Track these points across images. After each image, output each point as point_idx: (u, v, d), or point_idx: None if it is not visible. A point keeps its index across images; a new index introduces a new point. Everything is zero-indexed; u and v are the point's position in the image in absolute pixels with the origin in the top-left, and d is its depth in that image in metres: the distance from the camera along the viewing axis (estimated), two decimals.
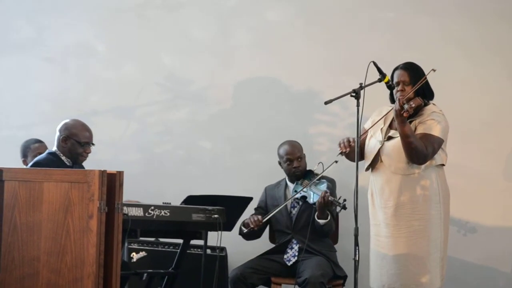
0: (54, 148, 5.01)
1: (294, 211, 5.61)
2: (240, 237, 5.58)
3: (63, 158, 4.98)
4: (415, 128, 4.85)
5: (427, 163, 4.84)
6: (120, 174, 4.29)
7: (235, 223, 5.57)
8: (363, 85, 4.75)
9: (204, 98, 6.59)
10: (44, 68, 6.70)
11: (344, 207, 5.23)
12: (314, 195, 5.39)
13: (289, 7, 6.52)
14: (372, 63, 4.79)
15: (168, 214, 4.92)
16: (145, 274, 5.19)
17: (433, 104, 4.97)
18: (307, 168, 5.61)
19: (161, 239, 6.01)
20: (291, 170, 5.59)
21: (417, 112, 4.89)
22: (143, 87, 6.62)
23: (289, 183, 5.68)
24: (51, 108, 6.51)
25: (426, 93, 4.94)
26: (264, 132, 6.43)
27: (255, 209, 5.73)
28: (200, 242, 5.37)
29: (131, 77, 6.64)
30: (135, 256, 5.89)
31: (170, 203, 5.06)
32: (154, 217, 4.85)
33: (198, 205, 5.16)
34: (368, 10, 6.39)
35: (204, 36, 6.60)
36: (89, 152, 5.02)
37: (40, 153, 5.21)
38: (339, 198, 5.29)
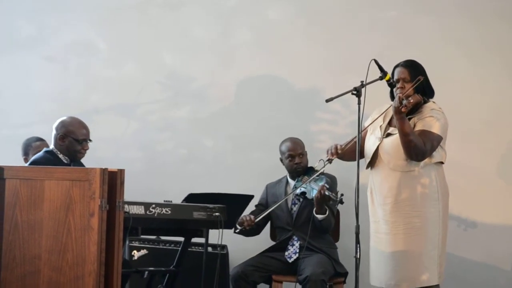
0: (51, 146, 5.01)
1: (295, 208, 5.61)
2: (241, 235, 5.58)
3: (61, 156, 4.98)
4: (414, 125, 4.85)
5: (426, 160, 4.85)
6: (121, 172, 4.29)
7: (236, 222, 5.56)
8: (364, 83, 4.75)
9: (205, 96, 6.59)
10: (45, 67, 6.70)
11: (341, 201, 5.25)
12: (313, 191, 5.39)
13: (290, 6, 6.52)
14: (373, 61, 4.79)
15: (169, 212, 4.92)
16: (146, 272, 5.18)
17: (433, 102, 4.97)
18: (309, 165, 5.62)
19: (162, 237, 6.01)
20: (292, 166, 5.60)
21: (416, 109, 4.89)
22: (144, 86, 6.63)
23: (290, 180, 5.69)
24: (52, 107, 6.51)
25: (426, 91, 4.94)
26: (266, 130, 6.43)
27: (256, 206, 5.74)
28: (201, 240, 5.36)
29: (132, 76, 6.64)
30: (136, 254, 5.90)
31: (171, 201, 5.06)
32: (155, 215, 4.84)
33: (199, 203, 5.16)
34: (368, 9, 6.39)
35: (205, 35, 6.60)
36: (87, 149, 5.03)
37: None
38: (337, 193, 5.30)
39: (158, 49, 6.65)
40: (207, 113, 6.58)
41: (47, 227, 4.31)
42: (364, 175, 4.93)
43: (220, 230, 5.20)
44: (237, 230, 5.46)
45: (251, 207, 5.71)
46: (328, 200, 5.34)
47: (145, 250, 5.94)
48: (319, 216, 5.41)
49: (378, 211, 4.94)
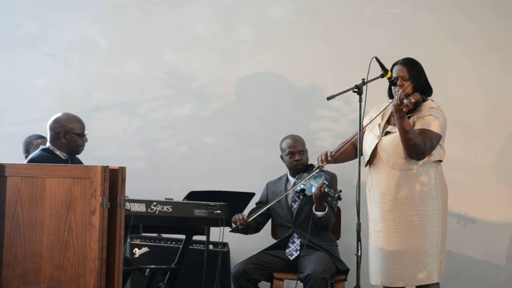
0: (47, 144, 5.01)
1: (295, 205, 5.61)
2: (238, 233, 5.56)
3: (58, 152, 4.98)
4: (413, 124, 4.84)
5: (425, 159, 4.84)
6: (122, 169, 4.30)
7: None
8: (365, 80, 4.74)
9: (207, 94, 6.59)
10: (47, 64, 6.70)
11: (338, 198, 5.25)
12: (312, 188, 5.39)
13: (291, 4, 6.52)
14: (374, 58, 4.78)
15: (171, 209, 4.92)
16: (148, 270, 5.19)
17: (431, 100, 4.96)
18: (309, 163, 5.63)
19: (164, 235, 6.02)
20: (292, 163, 5.60)
21: (415, 107, 4.88)
22: (146, 83, 6.63)
23: (290, 178, 5.69)
24: (54, 104, 6.51)
25: (424, 89, 4.94)
26: (267, 127, 6.43)
27: (256, 204, 5.74)
28: (203, 237, 5.37)
29: (134, 73, 6.64)
30: (137, 252, 5.90)
31: (172, 199, 5.07)
32: (157, 212, 4.85)
33: (201, 200, 5.17)
34: (370, 7, 6.38)
35: (207, 32, 6.60)
36: (86, 141, 5.04)
37: None
38: (336, 190, 5.30)
39: (160, 47, 6.66)
40: (208, 111, 6.58)
41: (48, 224, 4.32)
42: (365, 172, 4.94)
43: (221, 227, 5.22)
44: (229, 230, 5.44)
45: (252, 204, 5.71)
46: (327, 197, 5.34)
47: (146, 247, 5.94)
48: (319, 213, 5.41)
49: (376, 209, 4.94)
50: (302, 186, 5.44)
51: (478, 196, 6.12)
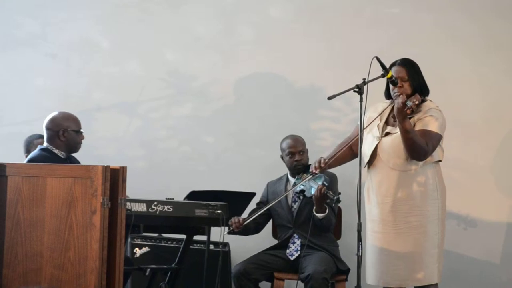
0: (45, 144, 5.01)
1: (295, 206, 5.61)
2: (237, 235, 5.56)
3: (56, 151, 4.98)
4: (414, 125, 4.84)
5: (426, 159, 4.85)
6: (123, 169, 4.30)
7: None
8: (366, 80, 4.74)
9: (207, 94, 6.59)
10: (47, 64, 6.70)
11: (337, 201, 5.25)
12: (311, 189, 5.39)
13: (291, 4, 6.52)
14: (375, 58, 4.78)
15: (171, 209, 4.92)
16: (148, 270, 5.18)
17: (430, 100, 4.96)
18: (309, 163, 5.62)
19: (164, 235, 6.02)
20: (292, 164, 5.60)
21: (412, 110, 4.88)
22: (146, 83, 6.63)
23: (290, 178, 5.69)
24: (55, 104, 6.50)
25: (422, 89, 4.94)
26: (267, 127, 6.43)
27: (257, 204, 5.74)
28: (203, 237, 5.37)
29: (134, 73, 6.64)
30: (138, 252, 5.90)
31: (173, 199, 5.07)
32: (157, 212, 4.85)
33: (201, 200, 5.17)
34: (370, 6, 6.39)
35: (207, 32, 6.61)
36: (83, 138, 5.05)
37: None
38: (334, 192, 5.30)
39: (160, 47, 6.66)
40: (209, 111, 6.58)
41: (49, 224, 4.32)
42: (364, 172, 4.94)
43: (222, 227, 5.21)
44: (226, 232, 5.44)
45: (252, 204, 5.71)
46: (326, 199, 5.33)
47: (147, 247, 5.94)
48: (319, 215, 5.41)
49: (375, 210, 4.93)
50: (301, 187, 5.44)
51: (478, 196, 6.12)
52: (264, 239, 5.79)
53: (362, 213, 4.66)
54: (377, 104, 5.06)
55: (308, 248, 5.47)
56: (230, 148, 6.54)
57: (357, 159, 4.82)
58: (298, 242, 5.55)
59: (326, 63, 6.38)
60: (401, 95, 4.78)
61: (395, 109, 4.76)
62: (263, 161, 6.34)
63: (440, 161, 4.95)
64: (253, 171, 6.37)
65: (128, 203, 4.55)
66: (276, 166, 5.83)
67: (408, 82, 4.90)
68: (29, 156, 5.02)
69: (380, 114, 4.98)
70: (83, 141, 5.08)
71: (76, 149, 5.05)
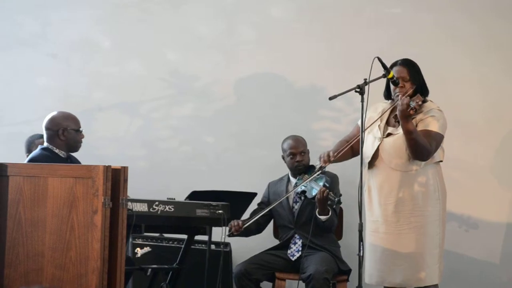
0: (45, 144, 5.02)
1: (296, 206, 5.61)
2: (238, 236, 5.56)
3: (57, 151, 4.99)
4: (416, 125, 4.85)
5: (428, 160, 4.85)
6: (124, 169, 4.30)
7: (239, 219, 5.56)
8: (367, 80, 4.74)
9: (208, 94, 6.59)
10: (48, 64, 6.70)
11: (338, 202, 5.25)
12: (313, 190, 5.39)
13: (292, 4, 6.51)
14: (376, 58, 4.78)
15: (173, 209, 4.92)
16: (150, 270, 5.18)
17: (431, 101, 4.97)
18: (310, 164, 5.62)
19: (166, 235, 6.02)
20: (293, 164, 5.60)
21: (415, 111, 4.89)
22: (147, 83, 6.62)
23: (291, 178, 5.68)
24: (55, 104, 6.49)
25: (423, 89, 4.95)
26: (268, 128, 6.43)
27: (258, 204, 5.73)
28: (205, 237, 5.37)
29: (136, 73, 6.64)
30: (139, 252, 5.90)
31: (174, 199, 5.06)
32: (159, 212, 4.85)
33: (203, 200, 5.17)
34: (371, 6, 6.38)
35: (208, 32, 6.60)
36: (83, 137, 5.05)
37: None
38: (336, 194, 5.29)
39: (161, 47, 6.65)
40: (210, 111, 6.58)
41: (51, 224, 4.32)
42: (365, 173, 4.93)
43: (223, 227, 5.21)
44: (227, 235, 5.43)
45: (254, 204, 5.71)
46: (328, 201, 5.33)
47: (148, 247, 5.94)
48: (322, 217, 5.40)
49: (378, 210, 4.93)
50: (303, 187, 5.44)
51: (478, 196, 6.12)
52: (266, 239, 5.79)
53: (363, 213, 4.66)
54: (377, 104, 5.06)
55: (309, 248, 5.47)
56: (231, 148, 6.54)
57: (357, 158, 4.83)
58: (299, 242, 5.55)
59: (327, 63, 6.38)
60: (404, 96, 4.78)
61: (398, 110, 4.75)
62: (264, 161, 6.34)
63: (441, 161, 4.95)
64: (254, 171, 6.37)
65: (129, 203, 4.55)
66: (277, 166, 5.83)
67: (410, 82, 4.91)
68: (30, 156, 5.02)
69: (381, 115, 4.97)
70: (84, 141, 5.08)
71: (76, 148, 5.05)
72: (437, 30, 6.26)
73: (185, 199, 5.33)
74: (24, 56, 6.70)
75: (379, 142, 4.95)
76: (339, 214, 5.69)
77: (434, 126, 4.84)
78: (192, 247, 5.59)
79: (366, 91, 4.72)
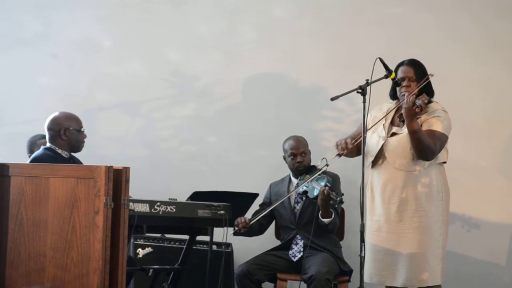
0: (47, 144, 5.01)
1: (298, 207, 5.61)
2: (241, 236, 5.56)
3: (60, 151, 4.99)
4: (421, 126, 4.85)
5: (432, 160, 4.85)
6: (126, 170, 4.29)
7: None
8: (369, 81, 4.74)
9: (210, 94, 6.59)
10: (49, 64, 6.70)
11: (340, 202, 5.25)
12: (314, 190, 5.38)
13: (294, 4, 6.51)
14: (378, 59, 4.78)
15: (174, 210, 4.92)
16: (151, 270, 5.18)
17: (436, 102, 4.97)
18: (312, 164, 5.62)
19: (167, 235, 6.02)
20: (294, 165, 5.60)
21: (421, 109, 4.89)
22: (149, 83, 6.62)
23: (293, 179, 5.68)
24: (57, 104, 6.49)
25: (428, 90, 4.95)
26: (270, 128, 6.43)
27: (260, 205, 5.73)
28: (206, 238, 5.37)
29: (137, 73, 6.64)
30: (141, 252, 5.90)
31: (176, 199, 5.06)
32: (160, 213, 4.85)
33: (204, 201, 5.16)
34: (373, 7, 6.38)
35: (210, 32, 6.60)
36: (85, 137, 5.04)
37: None
38: (337, 193, 5.28)
39: (163, 47, 6.65)
40: (211, 111, 6.58)
41: (52, 224, 4.32)
42: (368, 173, 4.93)
43: (225, 228, 5.20)
44: (232, 232, 5.43)
45: (255, 205, 5.71)
46: (329, 200, 5.32)
47: (150, 248, 5.94)
48: (326, 220, 5.39)
49: (380, 209, 4.93)
50: (304, 188, 5.44)
51: (481, 197, 6.12)
52: (267, 240, 5.79)
53: (365, 214, 4.65)
54: (382, 104, 5.06)
55: (311, 249, 5.47)
56: (232, 148, 6.53)
57: (358, 159, 4.83)
58: (301, 243, 5.54)
59: (329, 63, 6.38)
60: (410, 94, 4.78)
61: (403, 109, 4.76)
62: (266, 161, 6.34)
63: (445, 162, 4.95)
64: (256, 171, 6.37)
65: (131, 204, 4.54)
66: (279, 167, 5.83)
67: (416, 82, 4.91)
68: (33, 155, 5.01)
69: (384, 116, 4.97)
70: (85, 141, 5.08)
71: (79, 148, 5.05)
72: (438, 30, 6.26)
73: (186, 200, 5.32)
74: (25, 56, 6.70)
75: (383, 142, 4.95)
76: (340, 214, 5.69)
77: (438, 127, 4.84)
78: (194, 247, 5.59)
79: (368, 92, 4.73)
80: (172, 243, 6.00)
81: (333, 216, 5.39)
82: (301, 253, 5.51)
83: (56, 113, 5.06)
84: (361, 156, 4.75)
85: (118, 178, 4.27)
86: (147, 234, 5.69)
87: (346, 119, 6.28)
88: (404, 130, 4.85)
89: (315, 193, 5.35)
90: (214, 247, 5.79)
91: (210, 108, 6.59)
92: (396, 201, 4.88)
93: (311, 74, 6.44)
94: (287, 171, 5.74)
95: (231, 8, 6.59)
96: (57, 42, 6.72)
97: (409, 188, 4.86)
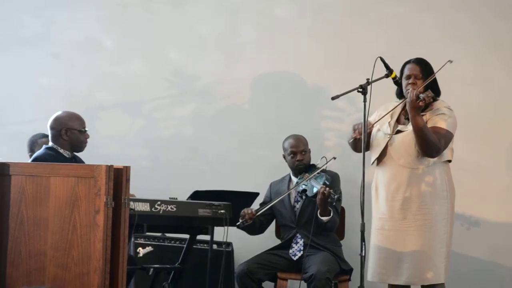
0: (50, 143, 5.02)
1: (298, 205, 5.61)
2: (245, 230, 5.57)
3: (61, 151, 4.99)
4: (426, 122, 4.85)
5: (435, 158, 4.85)
6: (127, 169, 4.29)
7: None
8: (370, 80, 4.75)
9: (211, 93, 6.59)
10: (51, 63, 6.71)
11: (338, 199, 5.25)
12: (313, 188, 5.39)
13: (295, 4, 6.52)
14: (379, 58, 4.79)
15: (175, 209, 4.92)
16: (152, 269, 5.18)
17: (442, 100, 4.98)
18: (311, 163, 5.62)
19: (168, 234, 6.02)
20: (294, 163, 5.60)
21: (426, 106, 4.90)
22: (150, 83, 6.63)
23: (293, 178, 5.68)
24: (58, 103, 6.49)
25: (435, 89, 4.95)
26: (271, 127, 6.43)
27: (260, 204, 5.72)
28: (207, 237, 5.37)
29: (138, 73, 6.64)
30: (141, 251, 5.90)
31: (176, 198, 5.07)
32: (161, 212, 4.85)
33: (205, 200, 5.17)
34: (374, 6, 6.38)
35: (211, 32, 6.60)
36: (88, 137, 5.04)
37: None
38: (335, 191, 5.29)
39: (164, 47, 6.66)
40: (212, 111, 6.58)
41: (53, 223, 4.32)
42: (369, 172, 4.93)
43: (225, 227, 5.20)
44: (239, 223, 5.43)
45: (256, 204, 5.71)
46: (328, 199, 5.32)
47: (150, 247, 5.94)
48: (324, 218, 5.39)
49: (384, 207, 4.94)
50: (303, 186, 5.44)
51: (482, 196, 6.11)
52: (268, 239, 5.79)
53: (365, 213, 4.66)
54: (388, 104, 5.07)
55: (311, 248, 5.47)
56: (233, 148, 6.53)
57: (359, 159, 4.82)
58: (301, 242, 5.55)
59: (330, 63, 6.38)
60: (412, 91, 4.79)
61: (407, 103, 4.77)
62: (267, 161, 6.34)
63: (450, 161, 4.95)
64: (257, 171, 6.37)
65: (131, 203, 4.55)
66: (279, 166, 5.83)
67: (422, 80, 4.92)
68: (35, 155, 5.01)
69: (390, 111, 4.98)
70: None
71: (80, 148, 5.05)
72: (438, 30, 6.26)
73: (187, 199, 5.33)
74: (27, 56, 6.71)
75: (388, 139, 4.95)
76: (341, 214, 5.69)
77: (443, 124, 4.85)
78: (194, 246, 5.60)
79: (368, 91, 4.73)
80: (172, 242, 6.00)
81: (331, 214, 5.40)
82: (301, 252, 5.51)
83: (59, 112, 5.06)
84: (361, 156, 4.75)
85: (118, 177, 4.26)
86: (148, 233, 5.70)
87: (347, 119, 6.28)
88: (409, 127, 4.86)
89: (314, 192, 5.35)
90: (215, 246, 5.79)
91: (210, 108, 6.60)
92: (400, 198, 4.88)
93: (312, 74, 6.44)
94: (288, 171, 5.74)
95: (231, 8, 6.59)
96: (57, 42, 6.72)
97: (413, 185, 4.86)
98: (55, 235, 4.30)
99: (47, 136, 5.81)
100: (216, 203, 5.15)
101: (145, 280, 5.46)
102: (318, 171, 5.42)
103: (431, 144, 4.78)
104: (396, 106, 4.98)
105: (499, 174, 6.16)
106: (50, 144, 5.01)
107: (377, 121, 5.01)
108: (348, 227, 5.80)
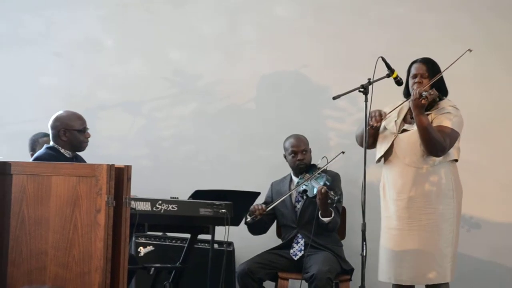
0: (51, 143, 5.02)
1: (299, 205, 5.61)
2: (248, 232, 5.58)
3: (62, 150, 4.98)
4: (431, 121, 4.86)
5: (441, 158, 4.85)
6: (128, 168, 4.29)
7: (243, 218, 5.57)
8: (371, 80, 4.75)
9: (211, 93, 6.59)
10: (52, 63, 6.71)
11: (338, 201, 5.25)
12: (314, 189, 5.39)
13: (296, 3, 6.52)
14: (380, 58, 4.79)
15: (176, 208, 4.92)
16: (153, 269, 5.17)
17: (448, 99, 4.99)
18: (312, 163, 5.62)
19: (169, 234, 6.02)
20: (295, 163, 5.60)
21: (432, 105, 4.90)
22: (150, 82, 6.63)
23: (293, 177, 5.68)
24: (59, 103, 6.50)
25: (441, 88, 4.96)
26: (272, 127, 6.43)
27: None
28: (208, 236, 5.37)
29: (139, 72, 6.64)
30: (142, 250, 5.90)
31: (177, 198, 5.06)
32: (162, 211, 4.84)
33: (206, 199, 5.16)
34: (375, 6, 6.39)
35: (211, 32, 6.61)
36: (89, 137, 5.04)
37: None
38: (335, 192, 5.28)
39: (164, 46, 6.66)
40: (213, 110, 6.59)
41: (54, 223, 4.31)
42: (370, 171, 4.93)
43: (226, 227, 5.20)
44: (249, 219, 5.43)
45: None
46: (328, 200, 5.32)
47: (151, 246, 5.94)
48: (325, 219, 5.40)
49: (391, 206, 4.94)
50: (304, 187, 5.44)
51: (482, 196, 6.11)
52: (269, 238, 5.79)
53: (366, 213, 4.66)
54: (396, 102, 5.07)
55: (312, 248, 5.47)
56: (234, 147, 6.54)
57: (360, 159, 4.82)
58: (301, 242, 5.55)
59: (331, 62, 6.38)
60: (416, 89, 4.80)
61: (411, 102, 4.78)
62: (267, 160, 6.34)
63: (456, 160, 4.95)
64: (257, 170, 6.37)
65: (132, 202, 4.54)
66: (280, 166, 5.83)
67: (428, 79, 4.92)
68: (36, 155, 5.01)
69: (395, 108, 4.97)
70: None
71: (81, 148, 5.04)
72: (438, 30, 6.27)
73: (188, 198, 5.32)
74: (27, 55, 6.71)
75: (394, 137, 4.95)
76: (342, 213, 5.69)
77: (449, 123, 4.85)
78: (195, 246, 5.59)
79: (369, 91, 4.74)
80: (173, 241, 6.00)
81: (332, 215, 5.40)
82: (302, 252, 5.51)
83: (60, 112, 5.05)
84: (362, 155, 4.75)
85: (119, 177, 4.26)
86: (149, 233, 5.67)
87: (348, 118, 6.29)
88: (415, 126, 4.86)
89: (315, 192, 5.35)
90: (216, 245, 5.79)
91: (211, 107, 6.60)
92: (405, 197, 4.88)
93: (312, 73, 6.44)
94: (288, 171, 5.74)
95: (231, 8, 6.59)
96: (58, 41, 6.72)
97: (419, 185, 4.86)
98: (56, 234, 4.29)
99: (48, 135, 5.81)
100: (217, 202, 5.14)
101: (146, 280, 5.46)
102: (320, 170, 5.42)
103: (436, 142, 4.78)
104: (401, 104, 4.98)
105: (499, 174, 6.16)
106: (51, 143, 5.01)
107: (391, 112, 4.98)
108: (349, 227, 5.80)
